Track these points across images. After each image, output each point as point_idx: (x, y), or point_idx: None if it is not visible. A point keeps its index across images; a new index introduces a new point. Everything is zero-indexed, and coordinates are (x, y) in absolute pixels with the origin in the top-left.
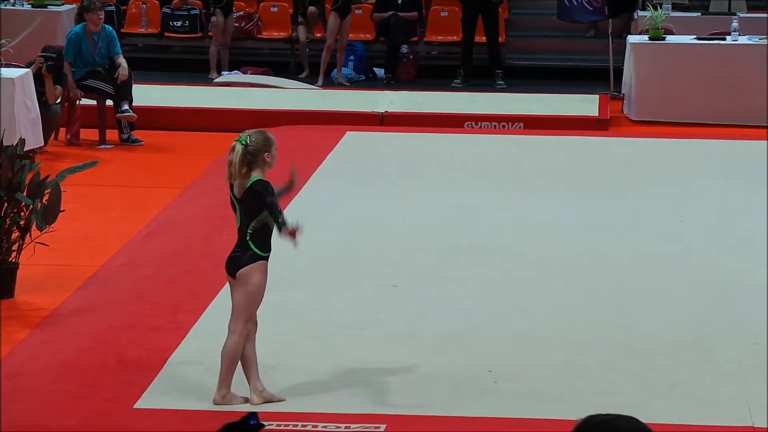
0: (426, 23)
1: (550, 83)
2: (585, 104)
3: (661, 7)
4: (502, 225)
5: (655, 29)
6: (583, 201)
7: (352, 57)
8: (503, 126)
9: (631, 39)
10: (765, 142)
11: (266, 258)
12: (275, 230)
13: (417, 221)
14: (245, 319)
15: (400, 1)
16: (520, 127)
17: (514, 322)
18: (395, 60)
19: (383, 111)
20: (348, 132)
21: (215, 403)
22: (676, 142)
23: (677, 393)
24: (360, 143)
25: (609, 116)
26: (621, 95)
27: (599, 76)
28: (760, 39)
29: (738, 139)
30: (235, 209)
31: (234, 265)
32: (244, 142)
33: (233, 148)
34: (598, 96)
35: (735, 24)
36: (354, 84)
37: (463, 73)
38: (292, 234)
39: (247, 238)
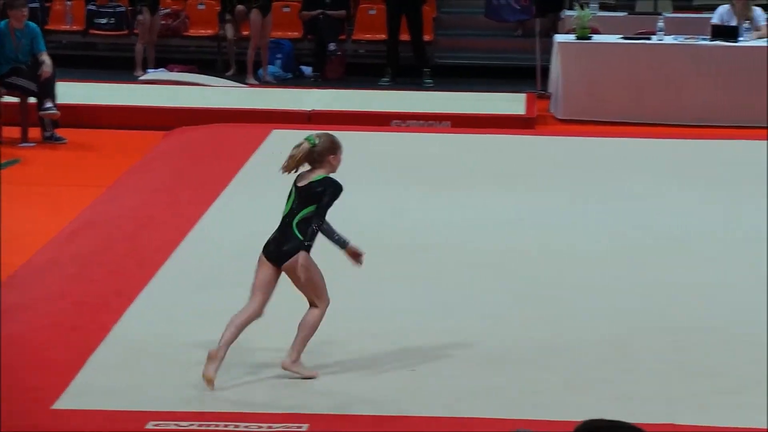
0: (354, 21)
1: (478, 82)
2: (512, 103)
3: (588, 7)
4: (428, 222)
5: (582, 28)
6: (508, 199)
7: (279, 55)
8: (430, 124)
9: (558, 38)
10: (690, 140)
11: (308, 247)
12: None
13: (341, 219)
14: (324, 296)
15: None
16: (447, 126)
17: (438, 320)
18: (323, 58)
19: (310, 109)
20: (274, 130)
21: (284, 367)
22: (603, 141)
23: (599, 390)
24: (286, 141)
25: (536, 115)
26: (548, 94)
27: (527, 75)
28: (686, 39)
29: (663, 137)
30: (289, 196)
31: (279, 255)
32: (312, 142)
33: (299, 145)
34: (525, 95)
35: (661, 24)
36: (281, 82)
37: (390, 72)
38: (356, 257)
39: (294, 224)
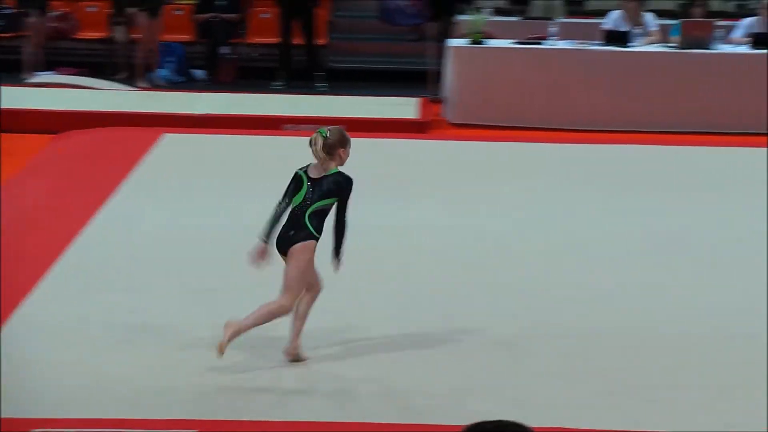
0: (247, 25)
1: (372, 86)
2: (405, 107)
3: (481, 11)
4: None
5: (475, 33)
6: (399, 202)
7: (171, 58)
8: None
9: (452, 42)
10: (582, 144)
11: (318, 239)
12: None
13: (231, 224)
14: (296, 294)
15: (221, 3)
16: None
17: (328, 320)
18: (216, 61)
19: (202, 113)
20: (165, 134)
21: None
22: (495, 145)
23: (491, 393)
24: (177, 145)
25: (429, 119)
26: (441, 98)
27: (420, 79)
28: (578, 43)
29: (556, 142)
30: (300, 188)
31: (287, 243)
32: (324, 135)
33: (314, 140)
34: (418, 99)
35: (553, 28)
36: (173, 85)
37: (284, 75)
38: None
39: (306, 216)
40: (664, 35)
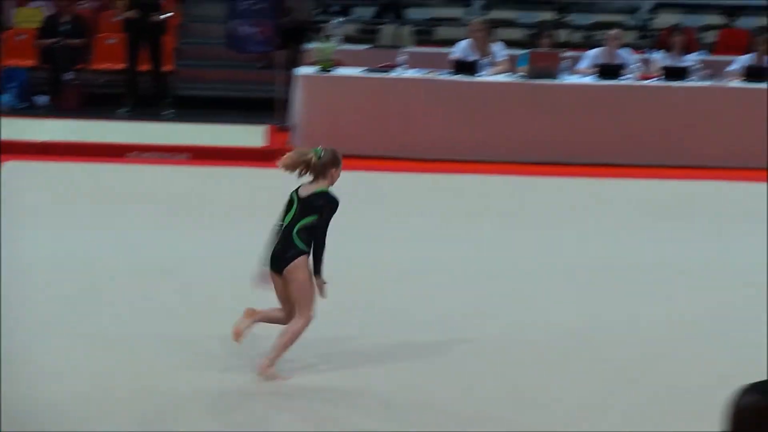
0: (92, 50)
1: (219, 113)
2: (253, 135)
3: (330, 39)
4: (160, 254)
5: (324, 61)
6: (244, 230)
7: (13, 84)
8: (169, 157)
9: (301, 70)
10: (434, 174)
11: (308, 253)
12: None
13: (72, 252)
14: (310, 306)
15: (65, 27)
16: (186, 158)
17: (169, 340)
18: (59, 87)
19: (44, 140)
20: (6, 162)
21: (259, 371)
22: (345, 174)
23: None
24: (19, 173)
25: (277, 147)
26: (289, 126)
27: (269, 107)
28: (428, 72)
29: (405, 171)
30: (290, 207)
31: (280, 263)
32: (318, 154)
33: (306, 153)
34: (266, 127)
35: (402, 57)
36: (15, 112)
37: (130, 102)
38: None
39: (294, 232)
40: (512, 65)
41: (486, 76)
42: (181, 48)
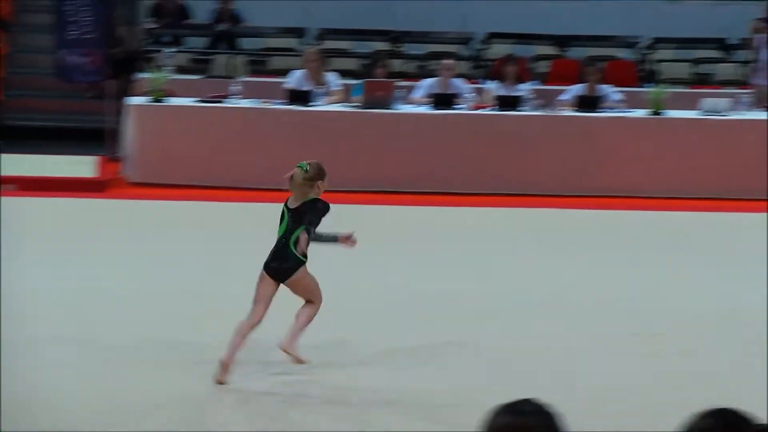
0: None
1: (49, 144)
2: (83, 166)
3: (162, 69)
4: None
5: (156, 91)
6: (75, 264)
7: None
8: None
9: (132, 100)
10: (266, 204)
11: (305, 262)
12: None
13: None
14: (319, 295)
15: None
16: (13, 189)
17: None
18: None
19: None
20: None
21: (281, 348)
22: (177, 204)
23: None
24: None
25: (107, 178)
26: (121, 157)
27: (99, 138)
28: (262, 102)
29: (240, 201)
30: (282, 219)
31: (282, 275)
32: (304, 168)
33: (295, 174)
34: (96, 158)
35: (236, 87)
36: None
37: None
38: (348, 240)
39: (291, 244)
40: (346, 94)
41: (320, 106)
42: (8, 78)
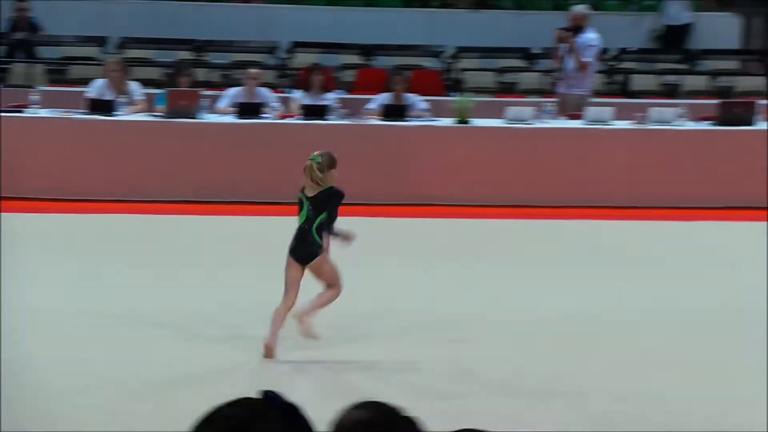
0: None
1: None
2: None
3: None
4: None
5: None
6: None
7: None
8: None
9: None
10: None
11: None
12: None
13: None
14: (339, 281)
15: None
16: None
17: None
18: None
19: None
20: None
21: (295, 317)
22: None
23: None
24: None
25: None
26: None
27: None
28: (63, 112)
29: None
30: (301, 207)
31: (306, 259)
32: (316, 159)
33: (309, 166)
34: None
35: (35, 96)
36: None
37: None
38: (347, 238)
39: (314, 230)
40: (149, 104)
41: (123, 116)
42: None
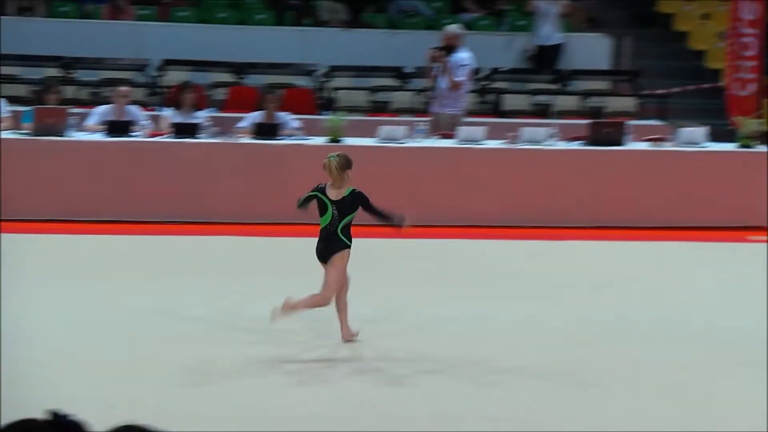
0: None
1: None
2: None
3: None
4: None
5: None
6: None
7: None
8: None
9: None
10: None
11: (350, 246)
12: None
13: None
14: (334, 291)
15: None
16: None
17: None
18: None
19: None
20: None
21: (284, 309)
22: None
23: None
24: None
25: None
26: None
27: None
28: None
29: None
30: (325, 209)
31: (327, 253)
32: (334, 159)
33: (328, 163)
34: None
35: None
36: None
37: None
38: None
39: (339, 231)
40: (16, 121)
41: None
42: None
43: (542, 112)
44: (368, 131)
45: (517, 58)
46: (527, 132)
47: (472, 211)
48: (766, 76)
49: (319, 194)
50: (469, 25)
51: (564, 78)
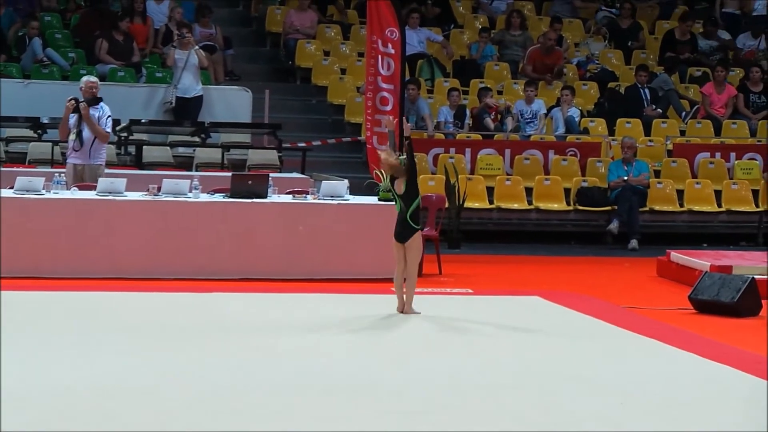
0: None
1: None
2: None
3: None
4: None
5: None
6: None
7: None
8: None
9: None
10: None
11: (420, 228)
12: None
13: None
14: (416, 265)
15: None
16: None
17: None
18: None
19: None
20: None
21: (403, 312)
22: None
23: None
24: None
25: None
26: None
27: None
28: None
29: None
30: (396, 200)
31: (404, 237)
32: (402, 161)
33: (399, 162)
34: None
35: None
36: None
37: None
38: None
39: (408, 217)
40: None
41: None
42: None
43: (184, 164)
44: (6, 182)
45: (157, 110)
46: (169, 184)
47: (109, 264)
48: None
49: (391, 186)
50: (109, 76)
51: (205, 130)
